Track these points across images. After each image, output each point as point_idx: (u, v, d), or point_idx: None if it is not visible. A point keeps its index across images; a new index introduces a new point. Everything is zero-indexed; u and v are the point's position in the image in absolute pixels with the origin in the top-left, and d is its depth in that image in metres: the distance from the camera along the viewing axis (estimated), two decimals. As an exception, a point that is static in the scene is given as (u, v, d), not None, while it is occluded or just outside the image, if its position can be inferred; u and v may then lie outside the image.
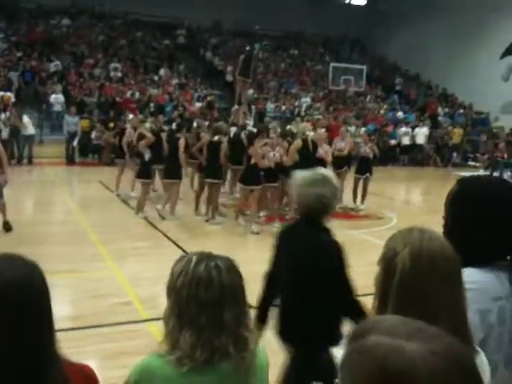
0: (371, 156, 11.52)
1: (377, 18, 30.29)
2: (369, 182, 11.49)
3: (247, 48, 12.45)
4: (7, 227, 8.45)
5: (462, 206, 1.77)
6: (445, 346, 0.82)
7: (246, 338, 1.59)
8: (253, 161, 9.11)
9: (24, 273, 1.39)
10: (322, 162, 9.05)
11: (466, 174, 19.24)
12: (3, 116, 17.17)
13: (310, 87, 26.51)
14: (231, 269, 1.61)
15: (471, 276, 1.61)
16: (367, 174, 11.33)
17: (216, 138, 9.77)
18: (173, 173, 9.84)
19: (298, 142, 9.09)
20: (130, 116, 12.47)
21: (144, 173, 9.97)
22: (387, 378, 0.78)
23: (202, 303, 1.53)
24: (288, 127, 12.47)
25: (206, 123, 12.79)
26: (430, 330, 0.86)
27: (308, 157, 8.98)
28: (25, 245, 7.49)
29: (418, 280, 1.33)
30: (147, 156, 9.85)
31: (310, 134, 8.75)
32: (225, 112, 21.71)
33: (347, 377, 0.84)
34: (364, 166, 11.31)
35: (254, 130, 10.41)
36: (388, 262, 1.38)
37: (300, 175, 2.92)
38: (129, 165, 11.99)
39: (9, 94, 18.79)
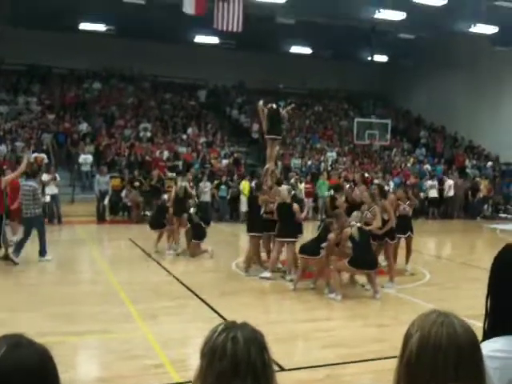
0: (410, 214, 10.71)
1: (398, 73, 30.73)
2: (411, 242, 10.60)
3: (272, 105, 11.15)
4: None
5: (497, 274, 1.76)
6: None
7: None
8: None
9: (32, 359, 1.28)
10: None
11: (498, 226, 18.96)
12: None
13: (335, 142, 26.74)
14: (252, 341, 1.54)
15: (506, 345, 1.59)
16: (409, 233, 10.42)
17: None
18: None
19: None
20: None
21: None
22: None
23: (217, 373, 1.50)
24: None
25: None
26: None
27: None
28: (55, 305, 7.56)
29: (422, 367, 1.34)
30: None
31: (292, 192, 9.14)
32: (251, 168, 21.98)
33: None
34: (404, 225, 10.22)
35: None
36: (404, 344, 1.41)
37: None
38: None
39: (42, 155, 19.39)
